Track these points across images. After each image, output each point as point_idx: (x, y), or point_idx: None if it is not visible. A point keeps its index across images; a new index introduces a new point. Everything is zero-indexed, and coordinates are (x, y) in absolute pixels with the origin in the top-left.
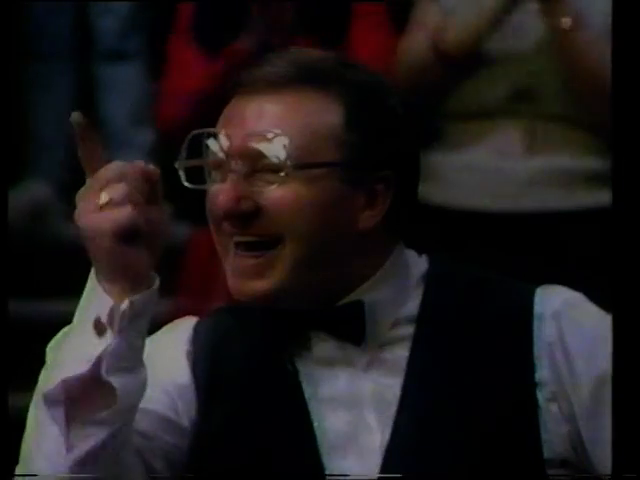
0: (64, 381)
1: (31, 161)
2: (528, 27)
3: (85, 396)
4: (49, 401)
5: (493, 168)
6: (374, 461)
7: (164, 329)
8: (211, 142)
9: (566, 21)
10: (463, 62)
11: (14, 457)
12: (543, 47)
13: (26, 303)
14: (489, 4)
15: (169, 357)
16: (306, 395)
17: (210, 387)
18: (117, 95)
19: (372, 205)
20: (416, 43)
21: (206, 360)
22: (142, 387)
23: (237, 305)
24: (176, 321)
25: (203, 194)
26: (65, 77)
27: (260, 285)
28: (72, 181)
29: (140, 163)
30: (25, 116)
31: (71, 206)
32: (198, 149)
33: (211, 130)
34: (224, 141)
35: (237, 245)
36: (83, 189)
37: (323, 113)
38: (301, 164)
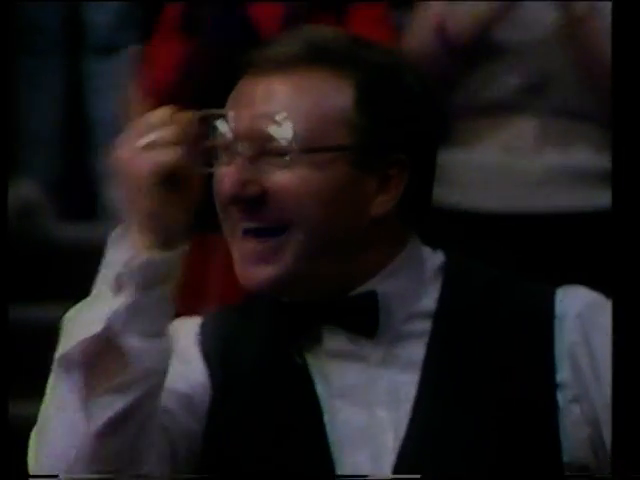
0: (80, 343)
1: (20, 160)
2: (540, 18)
3: (101, 360)
4: (66, 365)
5: (505, 167)
6: (387, 459)
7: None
8: (219, 123)
9: (581, 9)
10: (468, 51)
11: (14, 462)
12: (555, 39)
13: (16, 305)
14: None
15: (182, 350)
16: (317, 389)
17: (221, 385)
18: (107, 90)
19: (385, 190)
20: (420, 33)
21: (216, 357)
22: (164, 356)
23: (241, 304)
24: (179, 319)
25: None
26: (55, 73)
27: (266, 272)
28: (62, 180)
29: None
30: (15, 113)
31: (61, 206)
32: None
33: (219, 111)
34: (232, 122)
35: (244, 232)
36: (123, 134)
37: (334, 95)
38: (309, 148)
